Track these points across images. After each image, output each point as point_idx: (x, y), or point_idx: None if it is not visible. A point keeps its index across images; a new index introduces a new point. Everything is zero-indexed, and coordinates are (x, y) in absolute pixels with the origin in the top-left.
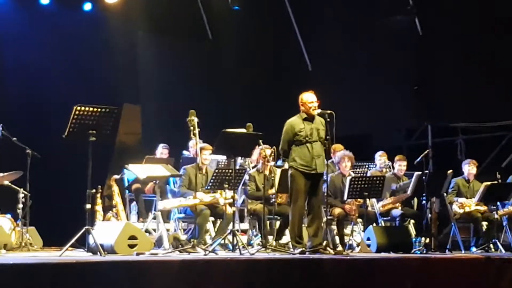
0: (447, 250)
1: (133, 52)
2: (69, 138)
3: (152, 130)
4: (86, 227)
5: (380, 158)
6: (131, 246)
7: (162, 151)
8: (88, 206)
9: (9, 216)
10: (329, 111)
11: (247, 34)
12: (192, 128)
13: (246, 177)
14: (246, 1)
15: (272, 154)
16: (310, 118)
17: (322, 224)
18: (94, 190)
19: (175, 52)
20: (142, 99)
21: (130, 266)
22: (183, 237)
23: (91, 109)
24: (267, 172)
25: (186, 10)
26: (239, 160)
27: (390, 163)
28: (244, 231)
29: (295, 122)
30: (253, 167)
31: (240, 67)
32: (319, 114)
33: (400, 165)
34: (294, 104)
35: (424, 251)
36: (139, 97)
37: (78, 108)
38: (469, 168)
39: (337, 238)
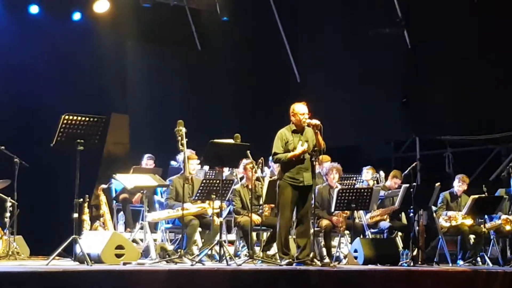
0: (434, 263)
1: (121, 61)
2: (57, 147)
3: (140, 140)
4: (73, 236)
5: (368, 171)
6: (118, 256)
7: (147, 161)
8: (76, 215)
9: None
10: (317, 122)
11: (235, 45)
12: (180, 138)
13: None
14: (235, 12)
15: (260, 164)
16: (299, 130)
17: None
18: (81, 200)
19: (164, 63)
20: (130, 109)
21: (117, 275)
22: (170, 247)
23: (79, 118)
24: (251, 186)
25: (175, 20)
26: (226, 172)
27: (377, 175)
28: (231, 242)
29: (284, 133)
30: (240, 178)
31: (228, 78)
32: (308, 125)
33: (396, 182)
34: (282, 115)
35: (411, 264)
36: (127, 107)
37: (66, 117)
38: (459, 184)
39: (324, 250)
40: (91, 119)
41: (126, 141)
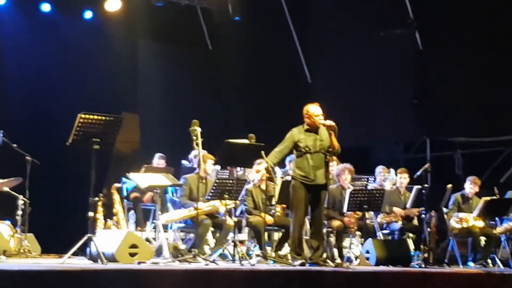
0: (445, 264)
1: (132, 60)
2: (73, 145)
3: (150, 139)
4: (89, 234)
5: (381, 171)
6: (132, 255)
7: (158, 161)
8: (91, 214)
9: (8, 222)
10: (332, 123)
11: (246, 45)
12: (195, 138)
13: (244, 192)
14: (247, 12)
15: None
16: (313, 130)
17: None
18: (96, 198)
19: (175, 61)
20: (140, 108)
21: (133, 275)
22: (181, 246)
23: (95, 117)
24: (263, 187)
25: (187, 19)
26: (239, 171)
27: (394, 179)
28: (241, 242)
29: (296, 132)
30: (253, 180)
31: (239, 77)
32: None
33: (401, 178)
34: (293, 115)
35: (423, 265)
36: (138, 106)
37: (83, 116)
38: (471, 186)
39: (335, 251)
40: (108, 118)
41: (136, 140)
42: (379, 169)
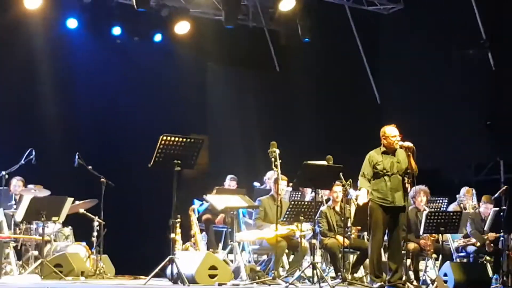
0: None
1: (201, 82)
2: (154, 167)
3: (219, 161)
4: (171, 256)
5: (466, 194)
6: (212, 276)
7: (230, 183)
8: (173, 235)
9: (84, 243)
10: (410, 144)
11: (314, 66)
12: (273, 159)
13: (317, 214)
14: (316, 34)
15: (348, 186)
16: (390, 152)
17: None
18: (177, 220)
19: (243, 83)
20: (209, 130)
21: None
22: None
23: (176, 139)
24: (338, 208)
25: (254, 42)
26: (311, 193)
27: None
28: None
29: (373, 155)
30: (326, 200)
31: (307, 99)
32: (400, 147)
33: (487, 208)
34: (362, 136)
35: None
36: (207, 128)
37: (164, 137)
38: None
39: (411, 273)
40: (189, 140)
41: (204, 162)
42: (464, 191)
